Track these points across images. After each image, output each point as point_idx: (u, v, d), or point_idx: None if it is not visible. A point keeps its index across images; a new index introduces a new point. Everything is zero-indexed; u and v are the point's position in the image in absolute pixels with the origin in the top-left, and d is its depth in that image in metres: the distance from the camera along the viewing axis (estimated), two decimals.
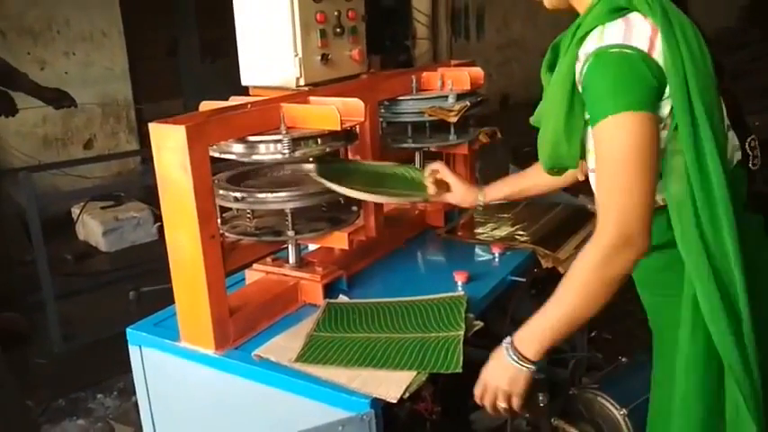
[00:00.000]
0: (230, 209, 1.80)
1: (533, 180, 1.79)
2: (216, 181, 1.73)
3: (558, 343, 1.29)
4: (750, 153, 1.20)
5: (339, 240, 1.82)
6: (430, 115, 2.09)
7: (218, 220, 1.70)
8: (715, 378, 1.22)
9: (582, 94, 1.18)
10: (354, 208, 1.92)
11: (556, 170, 1.38)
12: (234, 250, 1.73)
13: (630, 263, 1.19)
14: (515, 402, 1.33)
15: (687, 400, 1.25)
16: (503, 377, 1.32)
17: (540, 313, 1.28)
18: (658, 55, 1.14)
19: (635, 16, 1.16)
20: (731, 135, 1.22)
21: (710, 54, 1.17)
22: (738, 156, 1.22)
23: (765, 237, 1.26)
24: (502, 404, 1.34)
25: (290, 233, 1.76)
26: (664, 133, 1.17)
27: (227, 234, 1.74)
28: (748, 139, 1.20)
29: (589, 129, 1.20)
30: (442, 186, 1.90)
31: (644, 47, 1.14)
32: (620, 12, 1.17)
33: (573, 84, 1.20)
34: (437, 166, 1.92)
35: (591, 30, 1.18)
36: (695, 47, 1.15)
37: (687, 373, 1.24)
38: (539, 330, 1.28)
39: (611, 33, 1.15)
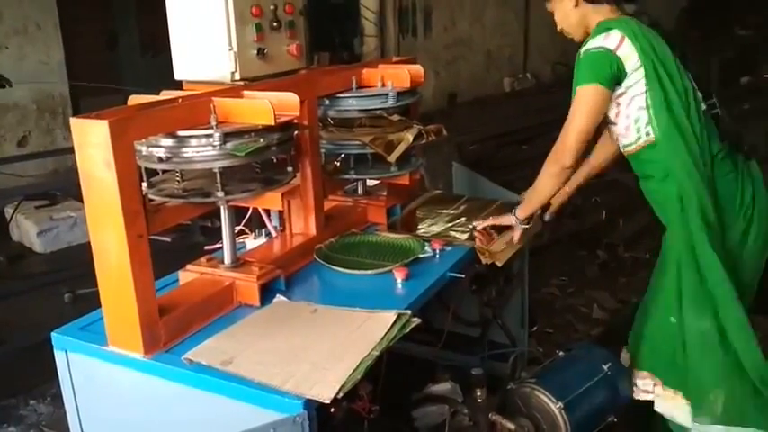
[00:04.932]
0: (157, 173, 1.70)
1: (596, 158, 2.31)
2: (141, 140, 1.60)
3: (534, 210, 2.16)
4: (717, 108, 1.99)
5: (273, 201, 1.76)
6: (371, 149, 2.12)
7: (145, 184, 1.61)
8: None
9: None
10: (290, 169, 1.86)
11: None
12: (158, 212, 1.62)
13: (557, 169, 1.98)
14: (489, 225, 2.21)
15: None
16: (502, 219, 2.20)
17: (528, 193, 2.16)
18: (623, 52, 1.88)
19: (613, 32, 1.91)
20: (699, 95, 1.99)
21: (671, 44, 1.96)
22: (703, 107, 1.98)
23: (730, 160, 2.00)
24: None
25: (220, 194, 1.66)
26: (624, 98, 1.94)
27: (151, 196, 1.64)
28: (709, 101, 2.00)
29: (613, 104, 1.97)
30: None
31: (612, 47, 1.90)
32: (606, 30, 1.93)
33: None
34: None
35: (587, 41, 1.96)
36: (656, 43, 1.93)
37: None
38: (527, 206, 2.15)
39: (594, 41, 1.93)
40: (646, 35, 1.93)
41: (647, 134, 1.95)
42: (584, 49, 1.94)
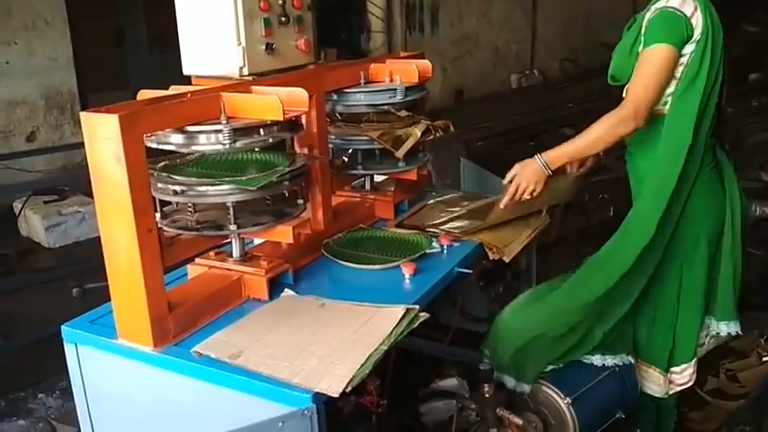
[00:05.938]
0: (170, 202, 1.74)
1: None
2: (154, 173, 1.67)
3: (569, 161, 2.10)
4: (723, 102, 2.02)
5: (284, 234, 1.78)
6: (379, 144, 2.12)
7: (158, 214, 1.65)
8: None
9: (644, 32, 1.93)
10: (300, 201, 1.89)
11: (614, 81, 2.06)
12: (173, 245, 1.67)
13: (630, 129, 1.91)
14: (536, 191, 2.08)
15: None
16: (531, 175, 2.06)
17: (567, 143, 2.04)
18: (695, 21, 1.88)
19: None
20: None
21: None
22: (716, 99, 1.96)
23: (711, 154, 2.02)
24: (527, 195, 2.08)
25: (232, 227, 1.71)
26: (680, 69, 1.91)
27: (165, 228, 1.68)
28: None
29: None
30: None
31: (688, 14, 1.89)
32: None
33: (641, 28, 1.96)
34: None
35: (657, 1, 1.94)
36: (716, 22, 1.93)
37: None
38: (561, 151, 2.04)
39: (671, 1, 1.90)
40: (712, 14, 1.93)
41: (665, 103, 1.94)
42: (658, 5, 1.91)
